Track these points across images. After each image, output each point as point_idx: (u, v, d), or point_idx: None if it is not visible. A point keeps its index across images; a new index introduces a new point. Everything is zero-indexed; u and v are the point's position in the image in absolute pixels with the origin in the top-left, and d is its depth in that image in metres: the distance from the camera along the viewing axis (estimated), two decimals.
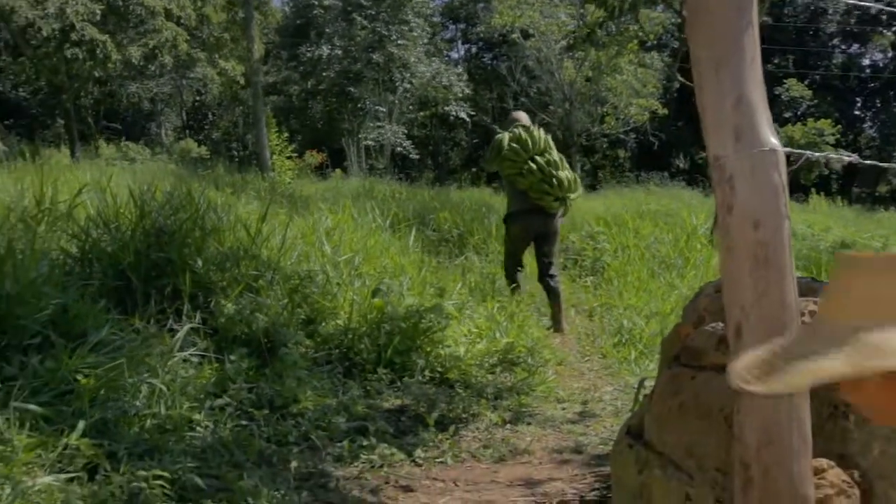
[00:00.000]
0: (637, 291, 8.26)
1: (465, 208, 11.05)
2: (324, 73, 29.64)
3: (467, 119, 31.13)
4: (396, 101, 30.08)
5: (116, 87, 28.21)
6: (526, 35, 28.42)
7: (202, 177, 11.80)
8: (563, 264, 9.91)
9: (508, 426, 4.99)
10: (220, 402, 4.37)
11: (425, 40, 31.47)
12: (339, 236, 7.02)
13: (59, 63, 20.03)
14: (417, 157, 31.11)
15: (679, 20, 20.92)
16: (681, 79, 12.73)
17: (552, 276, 7.52)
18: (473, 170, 32.82)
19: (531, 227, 7.50)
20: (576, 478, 4.18)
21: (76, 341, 4.53)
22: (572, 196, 7.55)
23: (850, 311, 1.23)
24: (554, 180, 7.32)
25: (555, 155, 7.48)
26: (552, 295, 7.48)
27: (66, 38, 19.23)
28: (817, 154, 2.78)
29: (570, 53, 26.10)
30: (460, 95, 30.68)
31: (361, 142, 28.86)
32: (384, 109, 29.76)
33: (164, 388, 4.30)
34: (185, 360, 4.73)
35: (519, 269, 7.67)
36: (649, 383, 3.68)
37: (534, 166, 7.31)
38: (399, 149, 29.71)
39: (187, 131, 33.47)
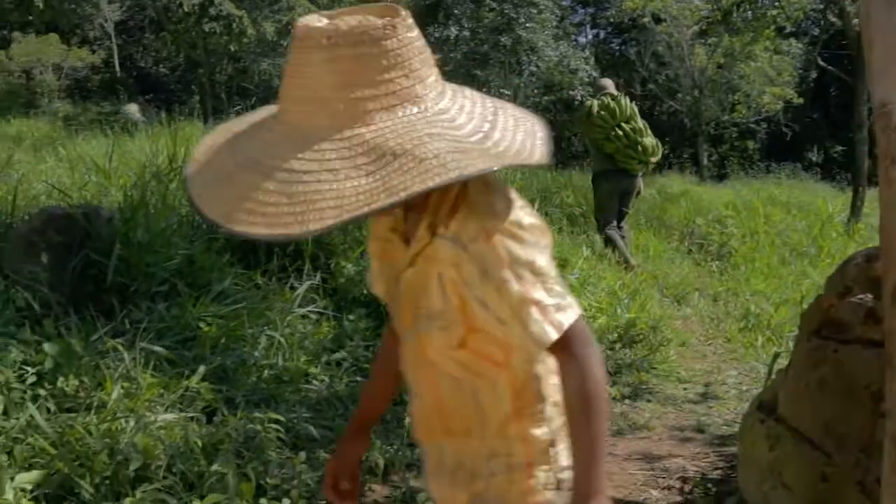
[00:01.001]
0: (766, 278, 7.92)
1: (587, 188, 10.85)
2: (450, 55, 29.63)
3: None
4: (521, 85, 29.87)
5: (249, 62, 28.93)
6: (657, 20, 27.73)
7: None
8: (688, 248, 9.62)
9: (627, 401, 4.84)
10: (336, 356, 4.36)
11: (554, 24, 31.06)
12: None
13: (197, 38, 20.65)
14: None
15: (822, 5, 20.01)
16: (822, 63, 12.18)
17: (621, 228, 8.35)
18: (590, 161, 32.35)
19: (617, 186, 8.23)
20: (697, 455, 4.01)
21: (200, 291, 4.63)
22: (653, 160, 8.24)
23: None
24: (639, 146, 7.98)
25: (639, 122, 8.09)
26: (622, 239, 8.19)
27: (204, 13, 19.82)
28: None
29: (703, 39, 25.33)
30: (586, 80, 30.19)
31: None
32: (509, 92, 29.59)
33: (282, 340, 4.34)
34: (303, 317, 4.76)
35: (613, 225, 8.25)
36: (784, 358, 3.49)
37: (620, 132, 7.94)
38: None
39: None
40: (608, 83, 8.60)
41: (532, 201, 8.13)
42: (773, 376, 3.40)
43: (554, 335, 1.30)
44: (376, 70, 1.21)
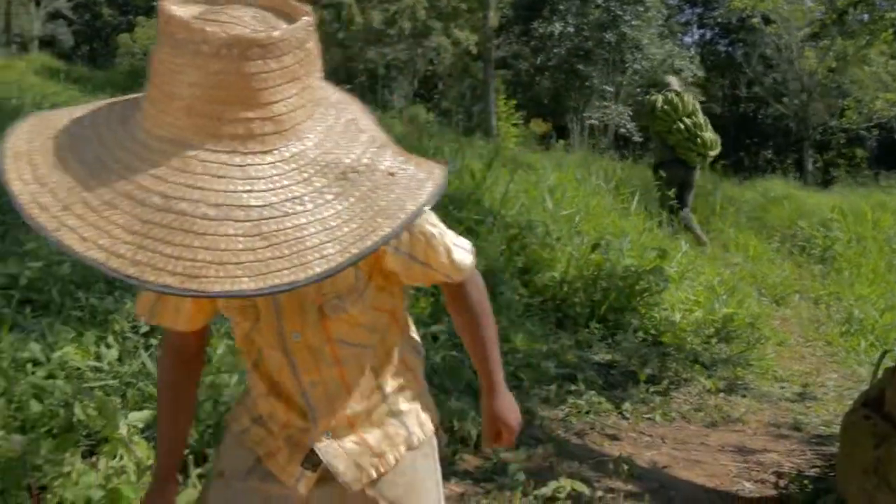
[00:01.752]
0: (871, 283, 7.69)
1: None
2: (554, 50, 29.50)
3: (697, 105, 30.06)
4: (624, 82, 29.51)
5: (357, 50, 29.36)
6: (767, 21, 27.06)
7: (431, 131, 12.02)
8: (790, 250, 9.39)
9: (722, 395, 4.77)
10: (434, 328, 4.42)
11: (660, 22, 30.61)
12: (562, 194, 6.95)
13: None
14: (641, 139, 30.43)
15: None
16: None
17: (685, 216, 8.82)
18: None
19: (675, 175, 8.67)
20: (793, 452, 3.93)
21: None
22: (712, 153, 8.86)
23: None
24: (698, 139, 8.65)
25: (700, 118, 8.75)
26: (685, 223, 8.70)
27: (315, 0, 20.20)
28: None
29: (814, 42, 24.58)
30: (690, 80, 29.66)
31: (585, 120, 28.54)
32: (611, 89, 29.30)
33: None
34: None
35: (687, 209, 8.86)
36: (891, 358, 3.40)
37: (682, 126, 8.62)
38: (622, 130, 29.19)
39: (417, 99, 34.40)
40: (674, 80, 9.41)
41: (632, 194, 8.12)
42: (880, 374, 3.31)
43: (471, 259, 1.51)
44: (304, 75, 1.07)
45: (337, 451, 1.47)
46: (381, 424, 1.52)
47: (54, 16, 30.82)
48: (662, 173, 8.76)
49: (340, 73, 32.37)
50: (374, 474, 1.50)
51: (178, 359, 1.54)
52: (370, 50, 29.03)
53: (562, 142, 18.58)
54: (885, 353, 3.77)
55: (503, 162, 10.07)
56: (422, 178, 1.10)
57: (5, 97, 8.02)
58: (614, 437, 3.94)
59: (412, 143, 6.29)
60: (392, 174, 1.08)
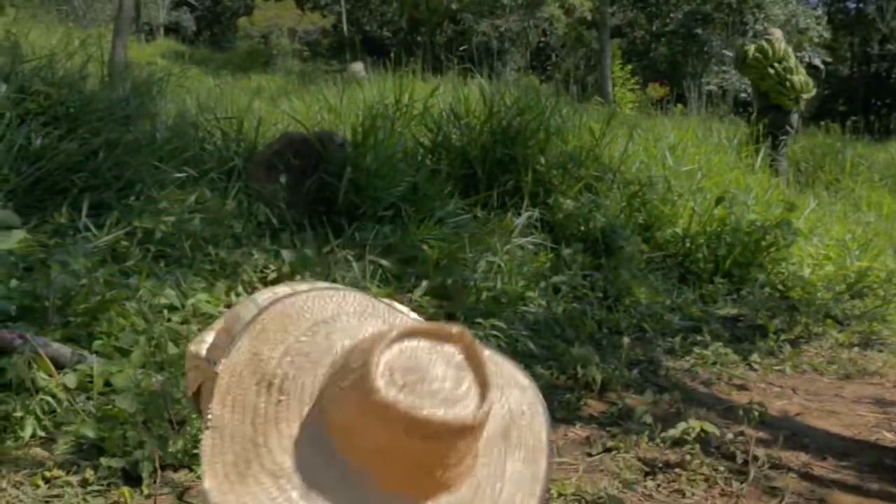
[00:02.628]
0: None
1: (816, 145, 10.30)
2: (671, 15, 28.81)
3: (822, 66, 28.84)
4: (744, 46, 28.57)
5: (469, 24, 29.39)
6: None
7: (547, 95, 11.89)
8: None
9: (856, 349, 4.58)
10: (555, 279, 4.41)
11: None
12: (682, 151, 6.79)
13: None
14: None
15: None
16: None
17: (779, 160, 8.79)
18: (822, 123, 30.55)
19: (773, 120, 8.74)
20: None
21: (423, 216, 4.81)
22: (805, 96, 8.97)
23: None
24: (787, 83, 8.73)
25: (791, 62, 8.85)
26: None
27: None
28: None
29: None
30: (816, 41, 28.47)
31: (703, 86, 27.74)
32: (731, 53, 28.38)
33: (502, 264, 4.43)
34: (520, 247, 4.82)
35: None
36: None
37: (772, 71, 8.75)
38: (743, 95, 28.29)
39: (530, 71, 34.16)
40: (776, 32, 9.62)
41: (756, 152, 7.86)
42: None
43: None
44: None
45: None
46: None
47: (179, 3, 31.91)
48: (761, 119, 8.79)
49: (453, 46, 32.46)
50: None
51: None
52: (483, 22, 28.99)
53: (679, 106, 18.18)
54: None
55: (620, 124, 9.93)
56: None
57: (138, 76, 8.37)
58: (742, 387, 3.84)
59: (530, 101, 6.19)
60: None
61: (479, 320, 3.63)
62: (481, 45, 32.75)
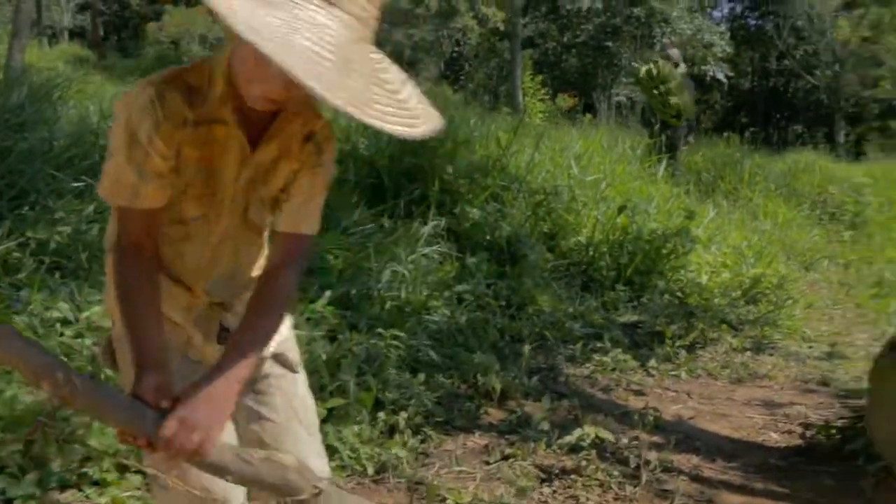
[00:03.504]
0: None
1: (717, 155, 10.63)
2: (582, 27, 29.30)
3: (724, 80, 29.74)
4: (653, 58, 29.25)
5: (383, 32, 29.35)
6: None
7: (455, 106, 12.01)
8: (818, 217, 9.31)
9: (749, 353, 4.77)
10: (459, 288, 4.44)
11: None
12: (588, 160, 6.93)
13: None
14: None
15: None
16: None
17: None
18: (726, 134, 31.45)
19: (662, 132, 9.65)
20: (821, 406, 3.93)
21: (328, 225, 4.78)
22: (683, 117, 9.74)
23: None
24: (668, 104, 9.61)
25: (672, 84, 9.63)
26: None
27: None
28: None
29: (848, 11, 24.26)
30: (720, 55, 29.32)
31: (613, 97, 28.33)
32: (637, 63, 29.00)
33: (406, 273, 4.44)
34: (426, 256, 4.85)
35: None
36: None
37: (657, 92, 9.71)
38: None
39: (443, 80, 34.32)
40: (674, 52, 10.58)
41: (659, 161, 8.07)
42: None
43: (316, 229, 1.58)
44: None
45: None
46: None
47: (84, 7, 31.09)
48: (654, 131, 9.92)
49: None
50: None
51: (142, 257, 1.54)
52: (396, 31, 29.01)
53: (588, 116, 18.50)
54: None
55: (529, 134, 10.08)
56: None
57: (36, 81, 8.14)
58: (640, 393, 3.94)
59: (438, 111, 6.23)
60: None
61: (381, 331, 3.63)
62: (395, 53, 32.72)
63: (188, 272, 1.62)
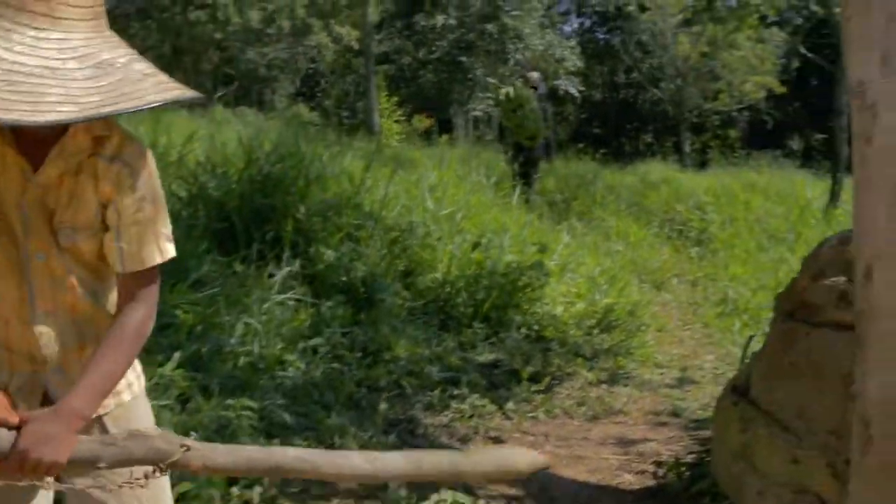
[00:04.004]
0: (744, 263, 7.94)
1: (570, 175, 10.87)
2: (437, 43, 29.54)
3: (576, 94, 30.62)
4: (508, 73, 29.79)
5: (235, 52, 28.80)
6: (642, 8, 27.77)
7: (310, 135, 11.86)
8: (668, 234, 9.66)
9: (604, 386, 4.85)
10: (314, 341, 4.35)
11: (540, 12, 31.03)
12: (443, 192, 6.95)
13: (182, 26, 20.47)
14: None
15: None
16: (804, 51, 12.22)
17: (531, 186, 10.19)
18: (580, 145, 32.33)
19: (517, 153, 10.28)
20: (672, 440, 4.03)
21: (177, 278, 4.59)
22: (534, 139, 10.26)
23: None
24: (523, 126, 10.18)
25: (526, 110, 10.17)
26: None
27: (190, 2, 19.68)
28: None
29: (687, 28, 25.36)
30: (572, 69, 30.18)
31: (470, 112, 28.68)
32: (495, 81, 29.51)
33: (259, 327, 4.32)
34: (281, 304, 4.73)
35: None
36: (758, 341, 3.50)
37: (513, 115, 10.28)
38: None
39: (299, 98, 33.95)
40: (534, 76, 11.25)
41: (514, 188, 8.18)
42: (748, 359, 3.41)
43: (158, 260, 1.53)
44: None
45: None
46: None
47: None
48: (509, 151, 10.57)
49: (219, 75, 31.72)
50: (103, 411, 1.58)
51: None
52: (249, 50, 28.50)
53: (445, 136, 18.65)
54: (751, 338, 3.90)
55: (385, 161, 10.04)
56: (171, 86, 1.32)
57: None
58: (498, 440, 3.95)
59: (290, 147, 6.12)
60: (146, 74, 1.30)
61: (230, 401, 3.49)
62: (250, 72, 32.21)
63: (8, 321, 1.52)
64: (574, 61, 30.29)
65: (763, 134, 30.80)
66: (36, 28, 1.24)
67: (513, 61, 29.57)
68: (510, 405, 4.33)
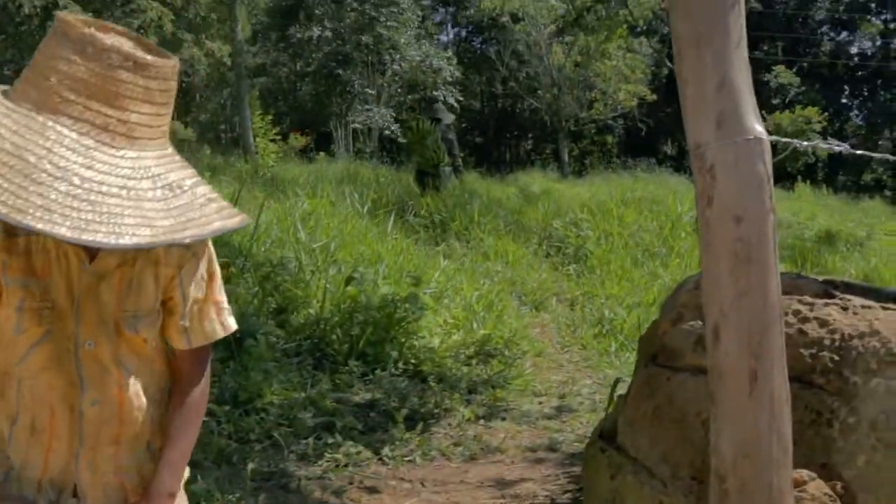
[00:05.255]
0: (619, 280, 8.10)
1: (447, 194, 10.87)
2: (313, 55, 29.32)
3: (455, 104, 30.84)
4: (385, 84, 29.78)
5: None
6: (515, 19, 28.22)
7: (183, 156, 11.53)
8: (546, 252, 9.77)
9: (482, 422, 4.82)
10: None
11: (415, 23, 31.13)
12: (316, 222, 6.83)
13: (40, 40, 19.57)
14: (405, 141, 30.80)
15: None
16: (670, 64, 12.61)
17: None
18: (461, 155, 32.59)
19: (423, 176, 11.35)
20: (548, 479, 4.02)
21: None
22: (437, 165, 11.33)
23: None
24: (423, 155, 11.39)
25: (429, 141, 11.26)
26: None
27: (48, 16, 18.85)
28: (806, 143, 2.63)
29: (559, 38, 25.90)
30: (449, 80, 30.38)
31: (349, 125, 28.53)
32: (373, 92, 29.47)
33: None
34: None
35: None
36: (625, 384, 3.53)
37: (416, 145, 11.41)
38: (387, 132, 29.44)
39: (174, 113, 33.12)
40: (440, 107, 13.45)
41: (389, 213, 8.12)
42: (615, 400, 3.44)
43: (221, 335, 1.59)
44: (161, 104, 1.35)
45: (96, 492, 1.52)
46: (139, 469, 1.57)
47: None
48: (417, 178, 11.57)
49: None
50: None
51: None
52: None
53: (322, 154, 18.45)
54: (617, 381, 3.93)
55: (260, 183, 9.85)
56: (233, 213, 1.35)
57: None
58: (374, 490, 3.85)
59: None
60: (209, 199, 1.34)
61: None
62: None
63: (51, 410, 1.48)
64: (451, 71, 30.50)
65: (638, 141, 31.76)
66: (115, 147, 1.28)
67: (390, 72, 29.62)
68: (386, 450, 4.24)
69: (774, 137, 2.14)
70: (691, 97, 2.03)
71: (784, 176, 27.21)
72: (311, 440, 4.21)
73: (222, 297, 1.61)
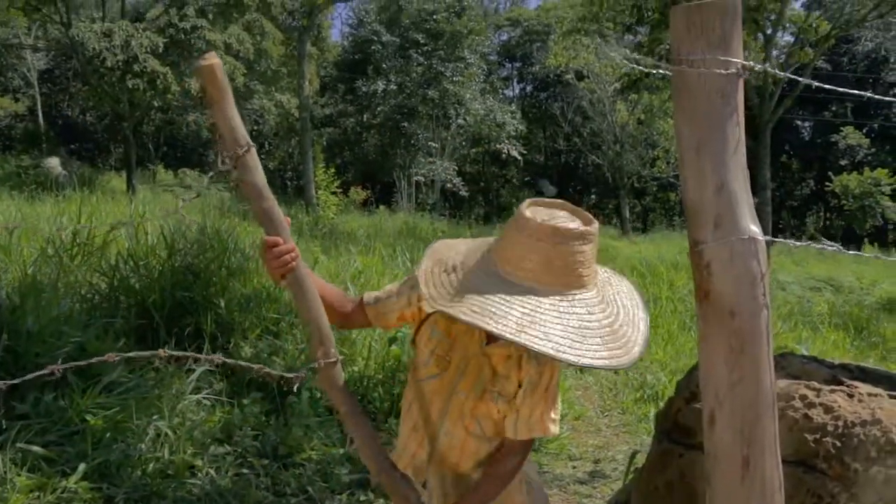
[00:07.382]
0: (665, 345, 8.14)
1: None
2: (378, 108, 29.97)
3: (519, 157, 31.18)
4: (449, 138, 30.24)
5: (176, 115, 28.89)
6: (580, 76, 28.50)
7: (245, 211, 11.94)
8: None
9: None
10: (221, 450, 4.38)
11: (481, 78, 31.61)
12: (366, 280, 7.04)
13: (121, 92, 20.50)
14: (467, 193, 31.17)
15: None
16: None
17: None
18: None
19: None
20: None
21: (91, 380, 4.60)
22: None
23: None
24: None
25: None
26: None
27: (128, 69, 19.72)
28: None
29: (623, 96, 26.08)
30: (513, 133, 30.74)
31: (412, 177, 29.01)
32: (436, 145, 29.95)
33: (169, 432, 4.34)
34: (198, 403, 4.77)
35: None
36: (642, 456, 3.62)
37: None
38: (449, 185, 29.84)
39: None
40: (547, 186, 12.67)
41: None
42: (632, 472, 3.54)
43: (538, 435, 2.12)
44: (593, 256, 1.93)
45: (435, 490, 2.22)
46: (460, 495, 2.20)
47: None
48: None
49: (164, 135, 31.73)
50: None
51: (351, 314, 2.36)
52: (191, 114, 28.61)
53: (382, 207, 18.79)
54: (635, 453, 4.02)
55: (318, 237, 10.13)
56: (620, 352, 1.87)
57: None
58: None
59: (213, 239, 6.20)
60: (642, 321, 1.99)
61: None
62: (192, 134, 32.19)
63: (426, 423, 2.22)
64: (515, 125, 30.85)
65: None
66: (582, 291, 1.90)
67: (454, 126, 30.07)
68: None
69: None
70: (691, 199, 2.18)
71: (853, 238, 26.84)
72: (344, 496, 4.38)
73: (555, 414, 2.13)
